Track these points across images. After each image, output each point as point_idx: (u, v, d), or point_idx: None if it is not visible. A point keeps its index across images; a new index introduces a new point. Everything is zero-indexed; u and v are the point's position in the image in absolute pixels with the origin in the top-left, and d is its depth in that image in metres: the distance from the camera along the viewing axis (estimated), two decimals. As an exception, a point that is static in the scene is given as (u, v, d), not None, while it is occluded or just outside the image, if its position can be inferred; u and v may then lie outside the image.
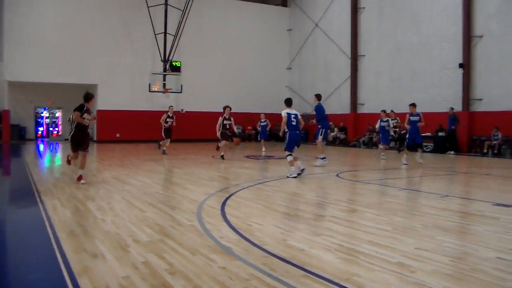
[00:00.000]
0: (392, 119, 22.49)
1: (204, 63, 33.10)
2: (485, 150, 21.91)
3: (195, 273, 4.53)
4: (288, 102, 12.58)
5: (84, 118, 10.69)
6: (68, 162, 11.59)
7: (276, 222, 6.86)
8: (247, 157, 19.10)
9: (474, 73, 23.10)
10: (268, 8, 37.25)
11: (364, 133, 28.86)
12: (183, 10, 29.27)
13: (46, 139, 33.71)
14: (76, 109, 10.71)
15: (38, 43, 28.36)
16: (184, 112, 31.93)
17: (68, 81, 29.32)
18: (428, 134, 23.25)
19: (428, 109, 22.77)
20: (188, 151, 19.20)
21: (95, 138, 29.57)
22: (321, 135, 15.31)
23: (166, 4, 30.04)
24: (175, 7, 29.94)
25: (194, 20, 30.97)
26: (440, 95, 24.09)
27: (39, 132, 34.85)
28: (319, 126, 15.64)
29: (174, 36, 29.46)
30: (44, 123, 35.32)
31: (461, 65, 23.13)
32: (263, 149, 22.95)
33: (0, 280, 4.50)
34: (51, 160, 19.41)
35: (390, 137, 20.70)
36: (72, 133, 10.83)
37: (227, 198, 8.86)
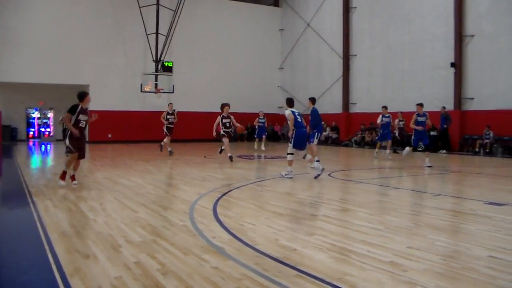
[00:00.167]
0: (400, 120, 22.54)
1: (196, 63, 33.04)
2: (476, 149, 22.00)
3: (188, 273, 4.52)
4: (290, 102, 12.51)
5: (80, 120, 10.19)
6: (63, 175, 10.50)
7: (268, 222, 6.86)
8: (239, 157, 19.07)
9: (465, 73, 23.19)
10: (260, 8, 37.24)
11: (356, 132, 28.90)
12: (175, 10, 29.23)
13: (37, 140, 33.52)
14: (68, 111, 10.22)
15: (30, 44, 28.19)
16: (176, 112, 31.83)
17: (59, 81, 29.15)
18: (404, 133, 23.30)
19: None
20: (181, 151, 19.15)
21: (87, 139, 29.42)
22: (317, 138, 15.13)
23: (157, 4, 29.96)
24: (167, 7, 29.87)
25: (186, 20, 30.94)
26: (432, 95, 24.15)
27: (31, 133, 34.64)
28: (314, 131, 15.51)
29: (166, 36, 29.42)
30: (35, 124, 35.12)
31: (452, 65, 23.21)
32: (263, 148, 23.00)
33: (-9, 282, 4.48)
34: (42, 161, 19.32)
35: (392, 134, 20.40)
36: (68, 136, 10.24)
37: (219, 198, 8.85)
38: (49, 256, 5.09)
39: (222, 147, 17.48)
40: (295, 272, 4.55)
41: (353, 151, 25.03)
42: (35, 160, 19.16)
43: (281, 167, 15.77)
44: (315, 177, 11.91)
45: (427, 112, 16.29)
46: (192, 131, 31.01)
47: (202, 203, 8.32)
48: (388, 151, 19.09)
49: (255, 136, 24.46)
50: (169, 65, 29.68)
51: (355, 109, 30.14)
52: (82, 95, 10.49)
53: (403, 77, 26.37)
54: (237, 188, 10.49)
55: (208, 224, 6.68)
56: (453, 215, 7.69)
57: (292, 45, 35.57)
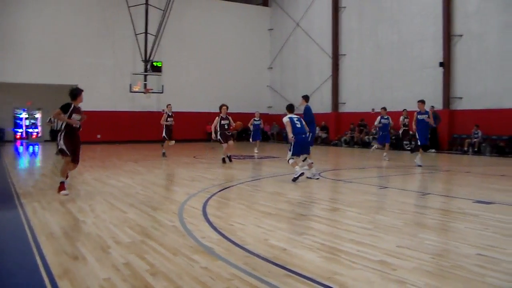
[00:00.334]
0: (404, 117, 22.37)
1: (185, 63, 32.95)
2: (465, 148, 22.11)
3: (177, 273, 4.50)
4: (291, 109, 12.00)
5: (71, 119, 9.21)
6: (62, 188, 9.47)
7: (258, 222, 6.85)
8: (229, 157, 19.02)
9: (454, 72, 23.31)
10: (249, 8, 37.21)
11: (345, 132, 28.98)
12: (164, 10, 29.15)
13: (25, 141, 33.27)
14: (60, 107, 9.26)
15: (17, 43, 27.95)
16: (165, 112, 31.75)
17: (47, 81, 28.87)
18: (409, 132, 23.33)
19: (409, 107, 22.88)
20: (170, 152, 19.09)
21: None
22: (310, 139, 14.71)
23: (146, 4, 29.86)
24: (156, 7, 29.77)
25: (175, 20, 30.83)
26: (420, 94, 24.13)
27: (18, 134, 34.38)
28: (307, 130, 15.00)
29: (155, 36, 29.32)
30: (23, 125, 34.87)
31: (441, 64, 23.32)
32: (256, 150, 21.81)
33: (-22, 284, 4.44)
34: (30, 162, 19.20)
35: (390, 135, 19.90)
36: (63, 138, 9.29)
37: (208, 198, 8.84)
38: (37, 258, 5.05)
39: (222, 155, 16.52)
40: (284, 271, 4.55)
41: (342, 151, 25.09)
42: (23, 161, 19.03)
43: (271, 167, 15.83)
44: (294, 178, 11.34)
45: (429, 110, 15.84)
46: (181, 131, 30.80)
47: (192, 203, 8.30)
48: (384, 153, 18.18)
49: (251, 139, 22.91)
50: (158, 65, 29.62)
51: (344, 108, 30.21)
52: (75, 93, 9.51)
53: (392, 76, 26.46)
54: (227, 188, 10.48)
55: (197, 224, 6.66)
56: (442, 213, 7.72)
57: (281, 44, 35.58)
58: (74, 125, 9.33)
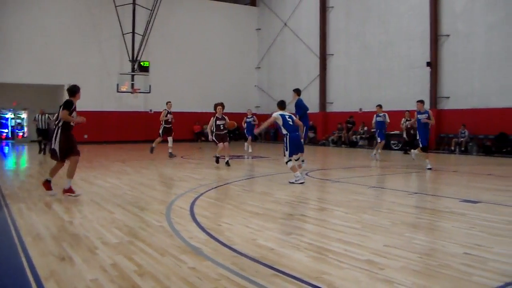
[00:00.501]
0: (407, 119, 21.89)
1: (173, 63, 32.85)
2: (452, 147, 22.26)
3: (164, 274, 4.48)
4: (282, 105, 11.41)
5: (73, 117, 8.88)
6: (48, 186, 9.19)
7: (245, 222, 6.84)
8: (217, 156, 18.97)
9: (441, 72, 23.46)
10: (237, 8, 37.20)
11: (333, 131, 29.04)
12: (151, 10, 29.08)
13: (11, 142, 33.00)
14: (64, 107, 8.82)
15: (2, 43, 27.72)
16: (152, 112, 31.62)
17: (34, 81, 28.65)
18: (396, 132, 23.43)
19: (396, 107, 23.00)
20: (157, 151, 19.02)
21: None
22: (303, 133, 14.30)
23: (134, 3, 29.74)
24: (143, 7, 29.68)
25: (163, 20, 30.74)
26: (408, 93, 24.33)
27: (4, 134, 34.11)
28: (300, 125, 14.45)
29: (142, 36, 29.24)
30: (8, 125, 34.58)
31: (428, 64, 23.46)
32: (250, 150, 21.82)
33: (-37, 286, 4.38)
34: (16, 162, 19.04)
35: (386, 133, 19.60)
36: (59, 139, 8.82)
37: (196, 198, 8.81)
38: (23, 259, 4.99)
39: (217, 154, 15.80)
40: (272, 271, 4.54)
41: (330, 150, 25.16)
42: (9, 162, 18.87)
43: (260, 167, 15.85)
44: (292, 182, 11.03)
45: (429, 110, 15.62)
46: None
47: (179, 204, 8.28)
48: (374, 151, 18.07)
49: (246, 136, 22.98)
50: (146, 65, 29.54)
51: (332, 108, 30.28)
52: (74, 90, 9.12)
53: (380, 76, 26.57)
54: (214, 188, 10.46)
55: (185, 224, 6.64)
56: (429, 213, 7.76)
57: (269, 44, 35.61)
58: (77, 123, 9.08)
